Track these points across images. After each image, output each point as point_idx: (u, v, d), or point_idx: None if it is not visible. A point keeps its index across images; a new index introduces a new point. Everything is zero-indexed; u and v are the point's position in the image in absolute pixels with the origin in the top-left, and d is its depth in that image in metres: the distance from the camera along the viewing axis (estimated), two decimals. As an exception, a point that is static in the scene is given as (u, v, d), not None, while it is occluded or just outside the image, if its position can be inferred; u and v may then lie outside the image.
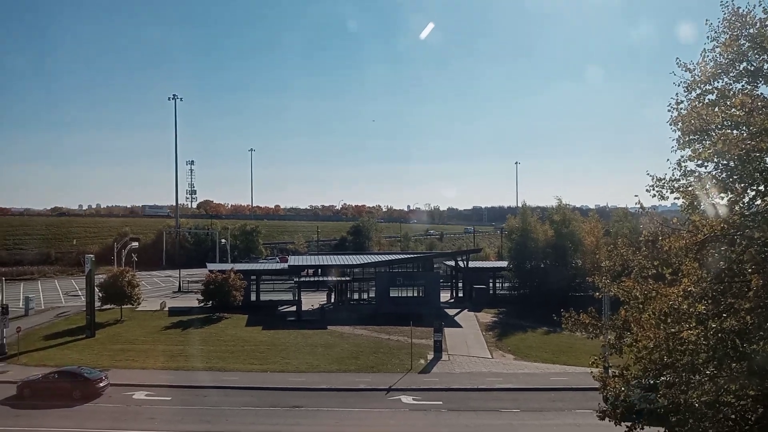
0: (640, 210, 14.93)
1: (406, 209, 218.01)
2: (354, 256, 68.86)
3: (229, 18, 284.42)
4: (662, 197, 13.91)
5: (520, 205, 77.92)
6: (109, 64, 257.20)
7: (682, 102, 13.67)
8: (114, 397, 32.12)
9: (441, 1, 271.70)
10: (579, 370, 35.64)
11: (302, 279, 59.26)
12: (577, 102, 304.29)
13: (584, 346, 35.11)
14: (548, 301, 47.66)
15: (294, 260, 65.71)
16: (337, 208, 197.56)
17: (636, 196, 14.39)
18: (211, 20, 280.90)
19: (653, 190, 13.69)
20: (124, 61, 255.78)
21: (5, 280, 54.49)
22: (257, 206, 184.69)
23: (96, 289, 49.38)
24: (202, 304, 54.87)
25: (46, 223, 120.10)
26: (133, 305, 54.14)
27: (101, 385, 32.40)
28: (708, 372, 13.14)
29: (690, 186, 13.33)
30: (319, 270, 62.73)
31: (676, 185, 13.51)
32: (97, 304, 50.09)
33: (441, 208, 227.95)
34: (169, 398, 31.99)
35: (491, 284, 66.84)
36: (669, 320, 13.12)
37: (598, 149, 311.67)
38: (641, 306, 13.89)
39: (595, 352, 15.54)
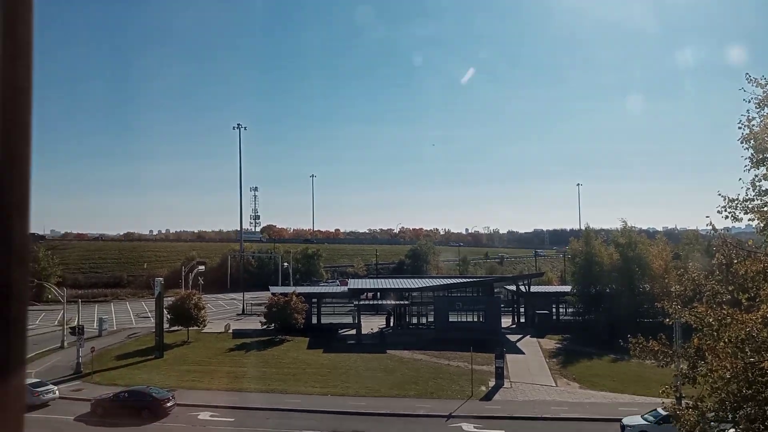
0: (712, 232, 14.33)
1: (464, 232, 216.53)
2: (412, 280, 68.65)
3: (290, 50, 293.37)
4: (735, 218, 13.34)
5: (582, 227, 75.88)
6: (177, 98, 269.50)
7: (753, 119, 13.13)
8: (180, 416, 32.99)
9: (498, 25, 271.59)
10: (649, 400, 33.97)
11: (362, 302, 59.46)
12: (641, 122, 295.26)
13: (654, 375, 33.49)
14: (614, 328, 45.96)
15: (353, 283, 66.16)
16: (395, 231, 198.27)
17: (707, 217, 13.86)
18: (273, 53, 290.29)
19: (725, 211, 13.15)
20: (191, 94, 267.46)
21: (81, 301, 57.32)
22: (318, 230, 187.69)
23: (164, 311, 51.16)
24: (265, 327, 55.88)
25: (119, 247, 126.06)
26: (199, 327, 55.73)
27: (168, 404, 33.38)
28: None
29: (766, 206, 12.72)
30: (378, 293, 62.82)
31: (750, 206, 12.93)
32: (166, 325, 51.81)
33: (501, 231, 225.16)
34: (233, 419, 32.58)
35: (554, 309, 65.07)
36: (747, 349, 12.43)
37: (664, 170, 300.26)
38: (716, 333, 13.22)
39: (667, 382, 14.85)
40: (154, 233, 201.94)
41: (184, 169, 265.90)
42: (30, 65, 0.96)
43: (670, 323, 24.28)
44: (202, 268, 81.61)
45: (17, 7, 0.96)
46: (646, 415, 30.80)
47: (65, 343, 51.54)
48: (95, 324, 60.95)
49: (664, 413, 28.37)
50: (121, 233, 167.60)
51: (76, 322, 48.69)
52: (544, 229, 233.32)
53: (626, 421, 30.80)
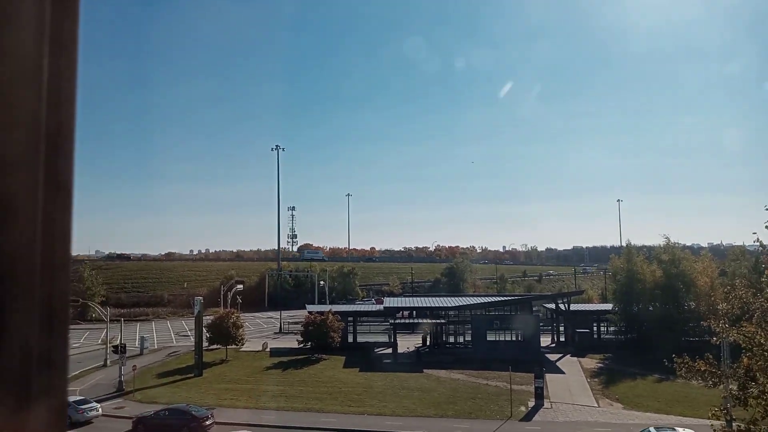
0: (760, 248, 13.85)
1: (501, 250, 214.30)
2: (449, 298, 68.10)
3: (326, 71, 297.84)
4: (785, 234, 12.86)
5: (623, 244, 74.23)
6: (215, 118, 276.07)
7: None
8: (219, 435, 33.30)
9: (535, 44, 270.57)
10: (697, 422, 32.70)
11: (397, 321, 59.22)
12: (681, 136, 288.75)
13: (702, 396, 32.38)
14: (658, 347, 44.54)
15: (389, 302, 65.98)
16: (430, 249, 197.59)
17: (754, 233, 13.42)
18: (309, 74, 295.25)
19: (774, 226, 12.70)
20: (230, 115, 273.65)
21: (124, 320, 58.69)
22: (353, 248, 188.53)
23: (204, 330, 51.91)
24: (302, 345, 56.11)
25: (160, 267, 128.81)
26: (237, 345, 56.31)
27: (207, 423, 33.73)
28: None
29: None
30: (414, 312, 62.52)
31: (800, 221, 12.46)
32: (205, 344, 52.51)
33: (539, 249, 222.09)
34: (270, 438, 32.67)
35: (595, 328, 63.60)
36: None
37: (707, 184, 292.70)
38: (766, 354, 12.71)
39: (716, 403, 14.29)
40: (194, 253, 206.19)
41: (224, 190, 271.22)
42: (74, 84, 1.00)
43: (718, 342, 23.45)
44: (240, 287, 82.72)
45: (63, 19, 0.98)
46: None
47: (108, 362, 52.68)
48: (137, 342, 62.18)
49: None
50: (163, 253, 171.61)
51: (118, 341, 49.80)
52: (584, 246, 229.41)
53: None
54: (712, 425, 14.11)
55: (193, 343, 51.78)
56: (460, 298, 68.38)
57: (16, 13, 0.87)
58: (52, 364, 0.87)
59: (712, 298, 49.20)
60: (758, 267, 48.02)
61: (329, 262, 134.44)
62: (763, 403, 12.61)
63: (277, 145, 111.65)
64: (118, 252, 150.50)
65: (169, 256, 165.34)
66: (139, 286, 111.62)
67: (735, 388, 13.65)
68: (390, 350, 56.52)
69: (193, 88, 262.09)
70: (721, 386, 14.05)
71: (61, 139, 0.92)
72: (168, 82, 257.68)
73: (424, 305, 62.25)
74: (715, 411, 13.88)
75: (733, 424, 13.82)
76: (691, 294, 56.87)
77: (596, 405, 40.06)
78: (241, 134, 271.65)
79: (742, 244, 74.25)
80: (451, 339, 60.44)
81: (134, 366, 45.53)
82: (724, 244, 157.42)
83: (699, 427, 30.55)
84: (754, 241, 13.65)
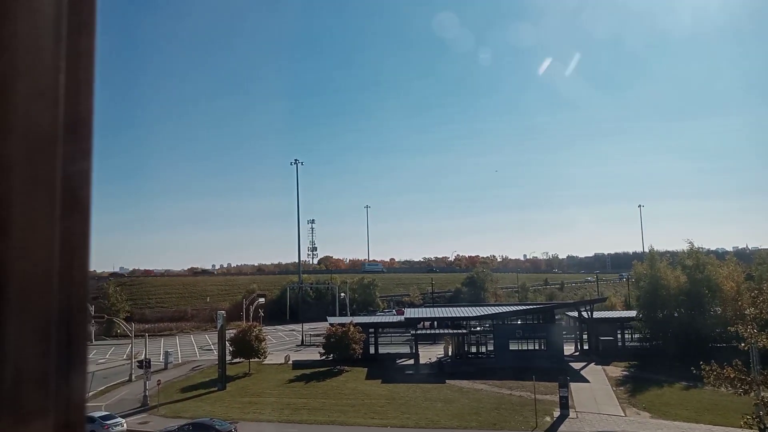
0: (787, 251, 13.61)
1: (522, 258, 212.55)
2: (470, 308, 67.65)
3: (343, 84, 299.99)
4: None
5: (646, 250, 73.40)
6: (235, 133, 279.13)
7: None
8: (243, 448, 33.41)
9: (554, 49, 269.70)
10: (728, 430, 32.08)
11: (419, 331, 58.95)
12: (703, 139, 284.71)
13: (732, 404, 31.64)
14: (685, 354, 43.87)
15: (410, 313, 65.78)
16: (450, 259, 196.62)
17: (780, 236, 13.20)
18: (328, 88, 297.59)
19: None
20: (249, 130, 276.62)
21: (148, 335, 59.35)
22: (373, 260, 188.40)
23: (227, 344, 52.20)
24: (324, 357, 56.10)
25: (183, 282, 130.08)
26: (260, 359, 56.47)
27: (231, 437, 33.90)
28: None
29: None
30: (435, 322, 62.20)
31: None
32: (228, 357, 52.84)
33: (560, 256, 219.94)
34: (294, 451, 32.68)
35: (619, 335, 62.68)
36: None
37: (730, 188, 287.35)
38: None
39: (747, 411, 14.03)
40: (216, 267, 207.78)
41: (245, 204, 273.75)
42: (91, 99, 0.99)
43: (746, 348, 23.00)
44: (262, 300, 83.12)
45: (82, 19, 0.97)
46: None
47: (133, 377, 53.22)
48: (161, 357, 62.67)
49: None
50: (186, 268, 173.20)
51: (143, 356, 50.31)
52: (605, 252, 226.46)
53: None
54: (743, 433, 13.86)
55: (217, 357, 52.13)
56: (481, 308, 67.91)
57: (31, 14, 0.86)
58: (68, 381, 0.87)
59: (739, 303, 48.52)
60: (786, 270, 47.15)
61: (326, 273, 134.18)
62: (795, 409, 12.37)
63: (296, 159, 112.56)
64: (143, 268, 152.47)
65: (192, 271, 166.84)
66: (163, 302, 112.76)
67: (767, 395, 13.40)
68: (412, 361, 56.28)
69: (212, 102, 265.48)
70: (752, 393, 13.78)
71: (78, 152, 0.93)
72: (188, 97, 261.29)
73: (445, 315, 61.95)
74: (747, 419, 13.63)
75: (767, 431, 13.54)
76: (716, 299, 55.90)
77: (623, 414, 39.42)
78: (260, 149, 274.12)
79: (768, 247, 72.88)
80: (474, 349, 59.95)
81: (159, 381, 45.89)
82: (749, 248, 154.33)
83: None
84: (780, 244, 13.44)
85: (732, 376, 13.63)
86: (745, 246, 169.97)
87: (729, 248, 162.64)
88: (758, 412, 13.78)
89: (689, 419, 37.45)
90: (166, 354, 62.27)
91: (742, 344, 15.77)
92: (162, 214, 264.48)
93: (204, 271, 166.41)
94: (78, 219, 0.93)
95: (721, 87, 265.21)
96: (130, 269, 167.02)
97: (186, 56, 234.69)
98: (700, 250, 62.58)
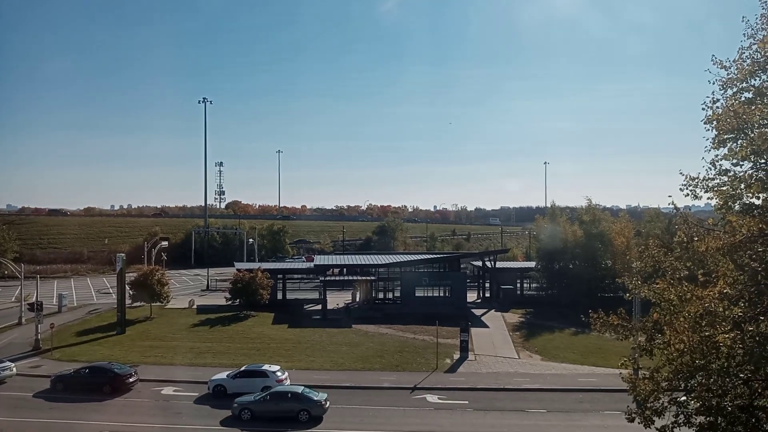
0: (674, 210, 14.62)
1: (432, 209, 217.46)
2: (379, 256, 68.86)
3: (258, 23, 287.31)
4: (696, 197, 13.60)
5: (548, 205, 77.05)
6: (141, 70, 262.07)
7: (718, 100, 13.32)
8: (143, 392, 32.71)
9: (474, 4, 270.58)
10: (608, 371, 35.05)
11: (328, 278, 59.43)
12: (606, 102, 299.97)
13: (614, 348, 34.54)
14: (577, 302, 46.99)
15: (320, 260, 65.99)
16: (362, 208, 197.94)
17: (669, 196, 14.10)
18: (239, 25, 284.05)
19: (686, 189, 13.39)
20: (156, 67, 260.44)
21: (40, 277, 55.94)
22: (284, 206, 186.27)
23: (127, 287, 50.24)
24: (230, 302, 55.41)
25: (79, 223, 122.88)
26: (162, 303, 54.96)
27: (131, 380, 33.02)
28: (742, 375, 12.78)
29: (725, 185, 12.99)
30: (345, 269, 62.88)
31: (710, 184, 13.19)
32: (128, 301, 51.01)
33: (468, 208, 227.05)
34: (196, 394, 32.37)
35: (519, 285, 66.22)
36: (704, 323, 12.79)
37: (629, 149, 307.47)
38: (674, 308, 13.58)
39: (625, 354, 15.22)
40: (116, 208, 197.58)
41: (147, 142, 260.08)
42: None
43: (630, 298, 24.83)
44: (165, 243, 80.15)
45: None
46: (226, 373, 33.30)
47: (23, 320, 50.35)
48: (54, 300, 59.64)
49: (240, 370, 32.70)
50: (81, 208, 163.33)
51: (34, 298, 47.50)
52: (511, 206, 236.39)
53: (212, 378, 33.00)
54: (621, 374, 15.07)
55: (116, 301, 50.13)
56: (390, 256, 69.28)
57: None
58: None
59: (627, 257, 52.30)
60: (671, 228, 51.12)
61: (234, 218, 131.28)
62: (667, 353, 13.54)
63: (204, 98, 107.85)
64: (33, 206, 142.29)
65: (89, 212, 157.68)
66: (56, 242, 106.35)
67: (643, 340, 14.56)
68: (319, 307, 56.81)
69: (118, 34, 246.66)
70: (631, 338, 14.94)
71: None
72: (93, 26, 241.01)
73: (355, 263, 62.65)
74: (624, 361, 14.82)
75: (640, 372, 14.80)
76: (608, 253, 59.84)
77: (517, 357, 42.02)
78: (167, 85, 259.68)
79: (657, 206, 78.65)
80: (381, 295, 61.38)
81: (52, 324, 43.62)
82: (641, 206, 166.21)
83: (610, 376, 32.72)
84: (669, 204, 14.39)
85: (616, 323, 14.68)
86: (637, 204, 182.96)
87: (623, 206, 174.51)
88: (634, 354, 15.00)
89: (575, 361, 40.55)
90: (60, 297, 59.21)
91: (627, 295, 16.95)
92: (54, 149, 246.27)
93: (102, 213, 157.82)
94: None
95: (619, 56, 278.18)
96: (19, 207, 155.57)
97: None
98: (597, 206, 66.46)
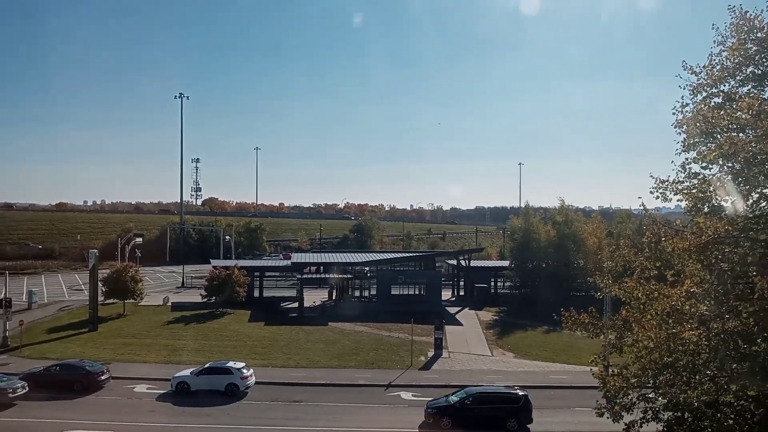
0: (643, 211, 15.02)
1: (409, 208, 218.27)
2: (356, 254, 68.90)
3: (234, 19, 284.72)
4: (665, 199, 14.00)
5: (523, 205, 77.98)
6: (116, 64, 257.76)
7: (687, 105, 13.74)
8: (115, 390, 32.30)
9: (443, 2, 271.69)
10: (579, 368, 35.68)
11: (305, 276, 59.25)
12: (581, 104, 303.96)
13: (585, 345, 35.05)
14: (549, 301, 47.68)
15: (297, 257, 65.80)
16: (340, 206, 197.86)
17: (639, 198, 14.51)
18: (217, 21, 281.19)
19: (657, 191, 13.77)
20: (131, 61, 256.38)
21: (9, 273, 54.73)
22: (261, 204, 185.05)
23: (99, 284, 49.49)
24: (206, 300, 54.90)
25: (50, 218, 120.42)
26: (136, 300, 54.26)
27: (103, 378, 32.56)
28: (708, 372, 13.21)
29: (694, 188, 13.39)
30: (322, 267, 62.76)
31: (679, 187, 13.58)
32: (101, 298, 50.22)
33: (444, 208, 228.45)
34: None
35: (493, 283, 66.90)
36: (671, 321, 13.19)
37: (602, 151, 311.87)
38: (642, 306, 13.97)
39: (596, 351, 15.62)
40: (89, 204, 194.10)
41: (121, 137, 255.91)
42: None
43: (601, 297, 25.32)
44: (139, 240, 79.06)
45: None
46: (190, 370, 33.07)
47: (-9, 316, 49.25)
48: (24, 296, 58.42)
49: (204, 367, 32.69)
50: (53, 203, 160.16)
51: (2, 294, 46.50)
52: (486, 206, 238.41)
53: (175, 375, 32.78)
54: (591, 370, 15.44)
55: (88, 298, 49.34)
56: (366, 254, 69.41)
57: None
58: None
59: (599, 257, 53.23)
60: (641, 229, 52.12)
61: (210, 215, 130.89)
62: (636, 350, 13.94)
63: (181, 93, 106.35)
64: (2, 201, 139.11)
65: (61, 207, 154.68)
66: (27, 238, 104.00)
67: (613, 337, 14.95)
68: (296, 305, 56.68)
69: (92, 27, 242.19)
70: (602, 336, 15.33)
71: None
72: (66, 19, 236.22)
73: (332, 261, 62.64)
74: (595, 358, 15.20)
75: (609, 369, 15.19)
76: (580, 253, 60.92)
77: (490, 354, 42.53)
78: (143, 80, 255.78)
79: (628, 207, 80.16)
80: (357, 293, 61.50)
81: (21, 321, 42.73)
82: (613, 207, 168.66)
83: (580, 373, 33.29)
84: (639, 205, 14.81)
85: (586, 321, 15.03)
86: (609, 205, 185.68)
87: (595, 207, 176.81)
88: (605, 352, 15.37)
89: (547, 359, 41.19)
90: (30, 293, 57.97)
91: (598, 293, 17.36)
92: (28, 143, 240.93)
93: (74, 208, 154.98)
94: None
95: (592, 58, 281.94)
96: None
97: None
98: (570, 207, 67.55)
